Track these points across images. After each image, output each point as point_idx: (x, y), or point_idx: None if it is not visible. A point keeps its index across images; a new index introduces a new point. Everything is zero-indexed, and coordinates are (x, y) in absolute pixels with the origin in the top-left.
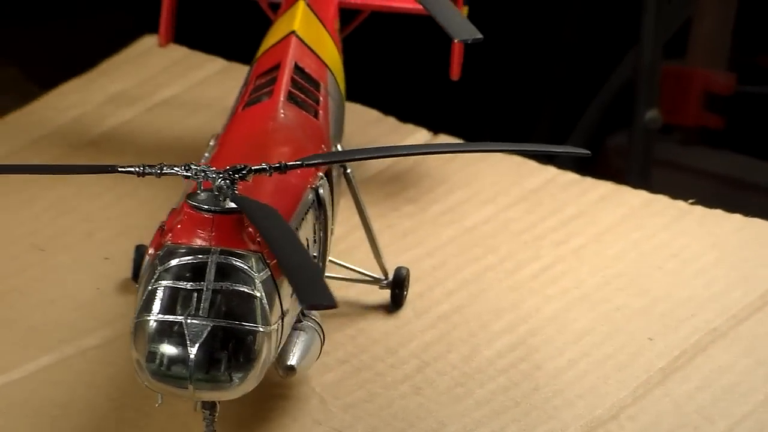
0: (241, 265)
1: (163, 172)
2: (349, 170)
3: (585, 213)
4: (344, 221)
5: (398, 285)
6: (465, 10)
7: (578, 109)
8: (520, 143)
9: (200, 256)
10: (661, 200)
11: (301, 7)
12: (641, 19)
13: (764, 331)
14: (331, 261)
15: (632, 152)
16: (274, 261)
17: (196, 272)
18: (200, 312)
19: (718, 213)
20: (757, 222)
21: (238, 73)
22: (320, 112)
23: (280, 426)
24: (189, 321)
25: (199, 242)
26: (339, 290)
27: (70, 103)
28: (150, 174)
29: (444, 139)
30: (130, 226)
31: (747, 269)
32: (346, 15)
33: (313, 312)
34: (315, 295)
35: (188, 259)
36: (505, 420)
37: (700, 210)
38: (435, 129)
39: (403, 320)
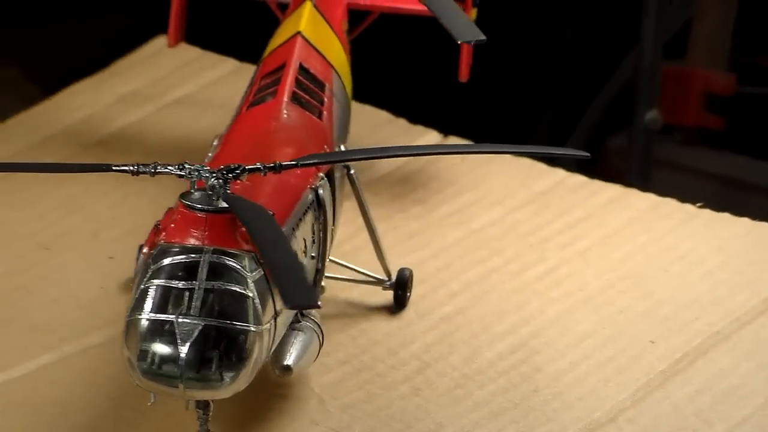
0: (234, 264)
1: (157, 171)
2: (352, 171)
3: (592, 216)
4: (350, 222)
5: (401, 286)
6: (474, 12)
7: (578, 109)
8: (518, 145)
9: (193, 255)
10: (669, 203)
11: (307, 8)
12: (641, 20)
13: (767, 334)
14: (334, 261)
15: (632, 153)
16: None
17: (188, 271)
18: (192, 311)
19: (726, 216)
20: (764, 226)
21: (250, 73)
22: (324, 112)
23: (277, 426)
24: (180, 320)
25: (192, 241)
26: (342, 291)
27: (80, 102)
28: (144, 173)
29: (454, 140)
30: (136, 225)
31: (752, 273)
32: (357, 16)
33: (313, 312)
34: (298, 296)
35: (181, 258)
36: (503, 422)
37: (707, 213)
38: (446, 131)
39: (405, 321)
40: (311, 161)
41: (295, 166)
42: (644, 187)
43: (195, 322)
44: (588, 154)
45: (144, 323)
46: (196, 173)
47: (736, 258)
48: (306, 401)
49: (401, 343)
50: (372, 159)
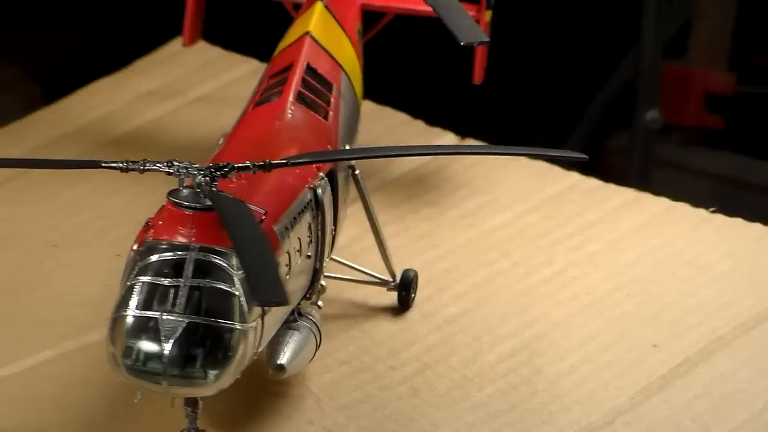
0: (220, 262)
1: (146, 168)
2: (357, 172)
3: (604, 219)
4: (359, 223)
5: (405, 287)
6: (488, 14)
7: (578, 109)
8: (517, 146)
9: (179, 252)
10: (682, 208)
11: (318, 8)
12: (641, 20)
13: None
14: (339, 262)
15: (632, 152)
16: None
17: (174, 269)
18: (176, 308)
19: (738, 221)
20: None
21: None
22: (330, 113)
23: (271, 424)
24: (164, 317)
25: (179, 239)
26: (347, 292)
27: (99, 101)
28: (133, 170)
29: (470, 142)
30: None
31: (760, 278)
32: (373, 18)
33: (312, 312)
34: (267, 292)
35: (167, 256)
36: (499, 423)
37: (720, 218)
38: (465, 133)
39: (408, 322)
40: (302, 160)
41: (285, 164)
42: (644, 187)
43: (179, 319)
44: (586, 157)
45: (129, 320)
46: (185, 171)
47: (746, 263)
48: (303, 401)
49: (403, 344)
50: (363, 159)
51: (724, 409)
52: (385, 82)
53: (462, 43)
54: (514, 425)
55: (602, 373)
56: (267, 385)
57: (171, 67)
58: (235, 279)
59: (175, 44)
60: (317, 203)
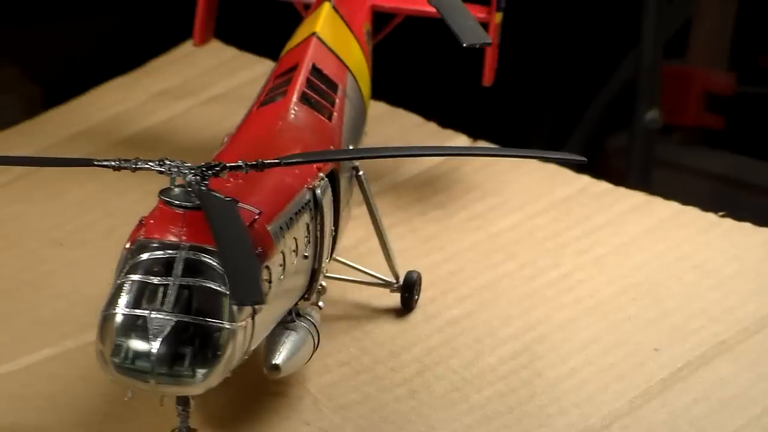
0: (211, 261)
1: (138, 166)
2: (361, 173)
3: (612, 223)
4: (366, 225)
5: (408, 289)
6: (498, 16)
7: (578, 109)
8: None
9: (170, 251)
10: (691, 212)
11: (325, 9)
12: (641, 20)
13: None
14: (342, 263)
15: (632, 153)
16: None
17: (164, 267)
18: (165, 307)
19: (746, 226)
20: None
21: None
22: (334, 113)
23: (268, 424)
24: (153, 315)
25: (170, 238)
26: (351, 293)
27: (112, 100)
28: (125, 168)
29: (482, 144)
30: None
31: (766, 283)
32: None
33: (312, 313)
34: (244, 292)
35: (158, 254)
36: (496, 426)
37: (728, 223)
38: (477, 135)
39: (411, 324)
40: (295, 160)
41: (278, 164)
42: (644, 187)
43: (168, 317)
44: (585, 159)
45: (118, 318)
46: (176, 170)
47: (752, 268)
48: (301, 401)
49: (404, 346)
50: (354, 159)
51: (722, 414)
52: (400, 84)
53: (464, 45)
54: (511, 428)
55: (602, 377)
56: (266, 385)
57: (185, 67)
58: (225, 278)
59: (190, 44)
60: (316, 204)
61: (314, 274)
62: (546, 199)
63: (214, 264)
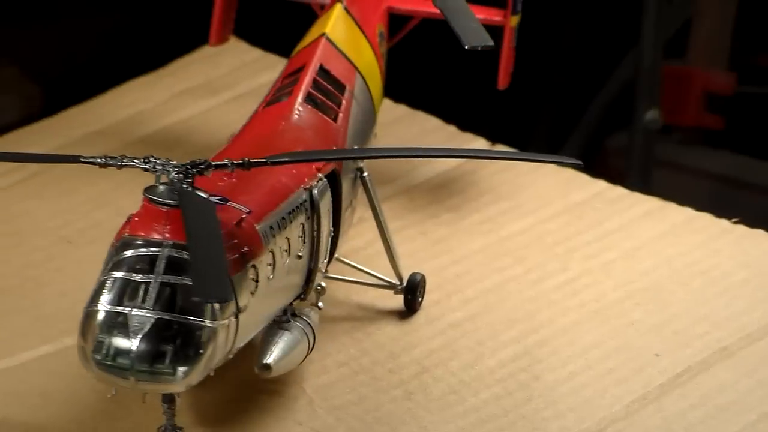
0: None
1: (124, 164)
2: (365, 174)
3: (624, 228)
4: (375, 227)
5: (411, 290)
6: (514, 19)
7: (578, 109)
8: (509, 151)
9: (153, 249)
10: (704, 218)
11: (336, 10)
12: (641, 20)
13: None
14: (346, 263)
15: (632, 153)
16: (231, 256)
17: (147, 264)
18: (146, 304)
19: (759, 233)
20: None
21: None
22: (340, 114)
23: (261, 424)
24: (134, 313)
25: (154, 235)
26: (355, 294)
27: (132, 99)
28: (111, 165)
29: (501, 148)
30: None
31: None
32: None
33: (310, 314)
34: (207, 290)
35: (141, 252)
36: (489, 428)
37: (741, 229)
38: (495, 138)
39: (413, 326)
40: (282, 159)
41: (264, 163)
42: (644, 187)
43: (148, 315)
44: (581, 162)
45: (99, 315)
46: (161, 167)
47: (761, 275)
48: (296, 401)
49: (404, 348)
50: (342, 159)
51: (717, 420)
52: (421, 86)
53: (466, 47)
54: (505, 430)
55: (601, 381)
56: (263, 384)
57: (209, 68)
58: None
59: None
60: (313, 204)
61: (310, 274)
62: (560, 203)
63: None
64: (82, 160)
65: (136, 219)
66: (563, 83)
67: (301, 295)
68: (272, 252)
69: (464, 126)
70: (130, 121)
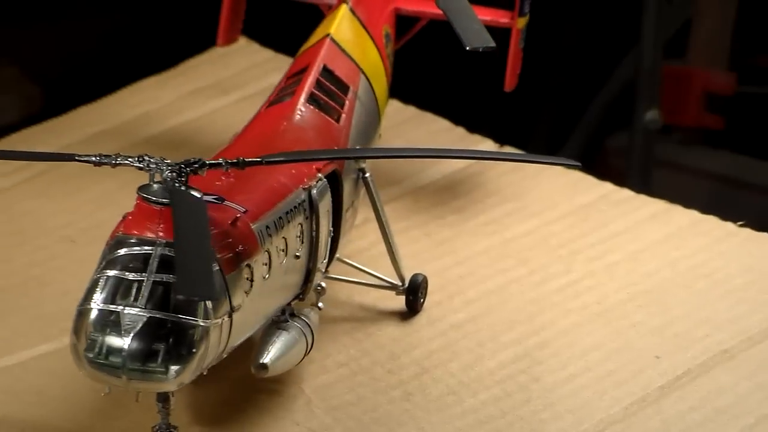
0: None
1: (118, 162)
2: (367, 174)
3: (629, 230)
4: (377, 228)
5: (413, 291)
6: (521, 21)
7: (578, 109)
8: (508, 153)
9: (146, 247)
10: (710, 221)
11: (341, 11)
12: (641, 20)
13: None
14: (348, 264)
15: (632, 153)
16: (225, 255)
17: (140, 263)
18: (138, 302)
19: (765, 236)
20: None
21: None
22: (343, 115)
23: (258, 424)
24: (126, 311)
25: (147, 234)
26: (358, 295)
27: (141, 99)
28: (105, 164)
29: (509, 150)
30: None
31: None
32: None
33: (310, 314)
34: (190, 287)
35: (134, 250)
36: (487, 430)
37: (746, 232)
38: (497, 138)
39: (414, 327)
40: (277, 159)
41: (259, 163)
42: (644, 187)
43: (141, 313)
44: (579, 164)
45: (93, 313)
46: (155, 166)
47: (764, 278)
48: (294, 401)
49: (404, 348)
50: (338, 159)
51: (715, 422)
52: (431, 88)
53: (467, 48)
54: None
55: (600, 383)
56: (262, 383)
57: (219, 68)
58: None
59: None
60: (311, 204)
61: (309, 274)
62: (565, 205)
63: None
64: (77, 158)
65: (130, 218)
66: (563, 83)
67: (300, 295)
68: (268, 251)
69: (465, 126)
70: (138, 121)
